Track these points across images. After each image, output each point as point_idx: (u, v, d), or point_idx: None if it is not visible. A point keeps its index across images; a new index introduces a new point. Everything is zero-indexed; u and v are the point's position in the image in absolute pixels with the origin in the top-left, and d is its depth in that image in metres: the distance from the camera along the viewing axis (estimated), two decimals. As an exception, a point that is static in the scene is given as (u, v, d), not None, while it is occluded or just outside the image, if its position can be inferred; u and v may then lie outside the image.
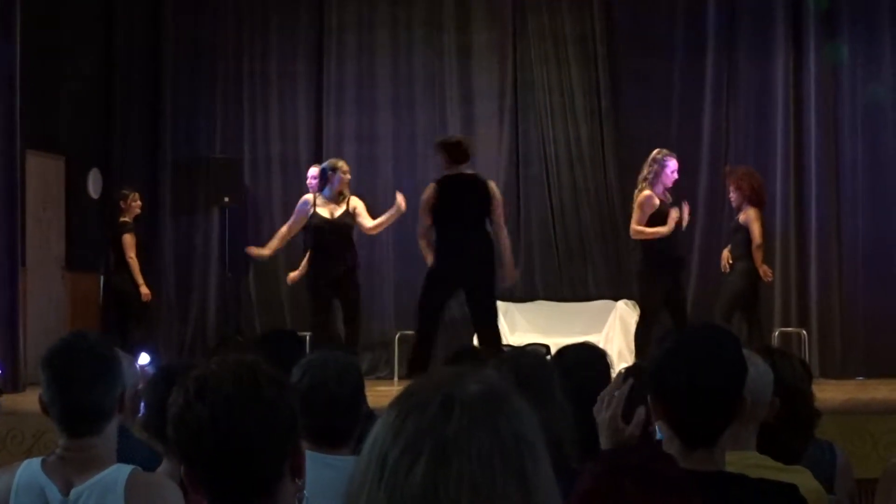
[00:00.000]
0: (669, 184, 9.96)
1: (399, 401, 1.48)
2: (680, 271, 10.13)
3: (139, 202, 11.84)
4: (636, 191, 9.98)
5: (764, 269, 10.29)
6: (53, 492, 3.06)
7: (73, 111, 12.45)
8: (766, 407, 3.22)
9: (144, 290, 11.57)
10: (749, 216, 10.27)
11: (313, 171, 10.65)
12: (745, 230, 10.27)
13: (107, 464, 3.11)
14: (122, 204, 11.71)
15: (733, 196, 10.44)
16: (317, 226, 9.97)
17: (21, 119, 10.62)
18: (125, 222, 11.64)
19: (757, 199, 10.33)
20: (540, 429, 1.49)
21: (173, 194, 13.12)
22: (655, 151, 10.01)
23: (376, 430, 1.46)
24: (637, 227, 9.82)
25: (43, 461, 3.12)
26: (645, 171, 9.94)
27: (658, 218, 9.80)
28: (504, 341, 10.54)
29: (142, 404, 3.97)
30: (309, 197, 10.22)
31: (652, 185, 9.87)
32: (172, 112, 13.25)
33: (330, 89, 13.12)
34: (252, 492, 2.11)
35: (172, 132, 13.16)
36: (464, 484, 1.39)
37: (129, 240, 11.54)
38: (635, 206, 9.88)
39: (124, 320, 11.74)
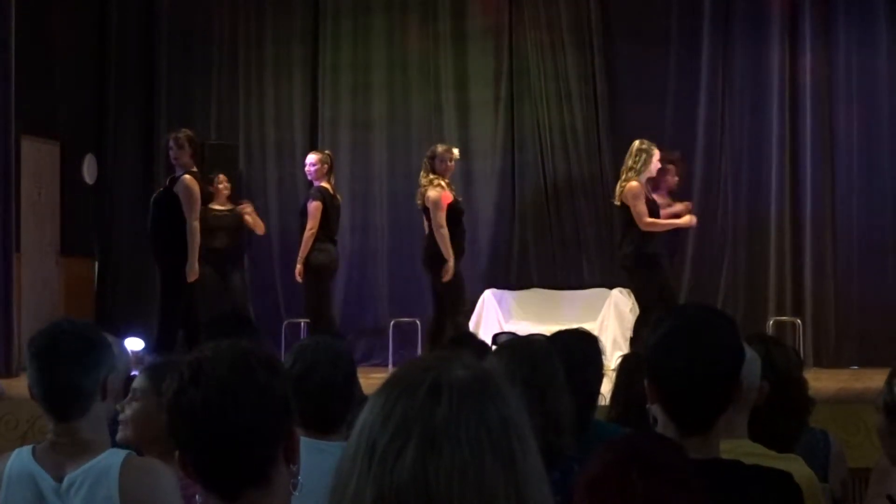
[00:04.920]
0: (655, 173, 9.87)
1: (387, 386, 1.48)
2: (671, 263, 10.04)
3: None
4: (621, 182, 9.72)
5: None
6: (46, 480, 3.04)
7: (68, 96, 12.43)
8: (755, 392, 3.22)
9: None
10: None
11: (311, 158, 10.56)
12: None
13: (100, 449, 3.10)
14: None
15: None
16: (460, 210, 10.30)
17: (16, 104, 10.61)
18: None
19: None
20: (527, 413, 1.49)
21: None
22: (638, 142, 9.76)
23: (364, 417, 1.47)
24: (648, 220, 9.53)
25: (33, 449, 3.11)
26: (630, 162, 9.68)
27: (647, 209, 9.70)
28: (499, 329, 10.57)
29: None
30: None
31: (639, 175, 9.72)
32: (167, 97, 13.23)
33: (325, 74, 13.09)
34: (246, 477, 2.11)
35: (167, 117, 13.13)
36: (453, 469, 1.40)
37: None
38: (629, 200, 9.56)
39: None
